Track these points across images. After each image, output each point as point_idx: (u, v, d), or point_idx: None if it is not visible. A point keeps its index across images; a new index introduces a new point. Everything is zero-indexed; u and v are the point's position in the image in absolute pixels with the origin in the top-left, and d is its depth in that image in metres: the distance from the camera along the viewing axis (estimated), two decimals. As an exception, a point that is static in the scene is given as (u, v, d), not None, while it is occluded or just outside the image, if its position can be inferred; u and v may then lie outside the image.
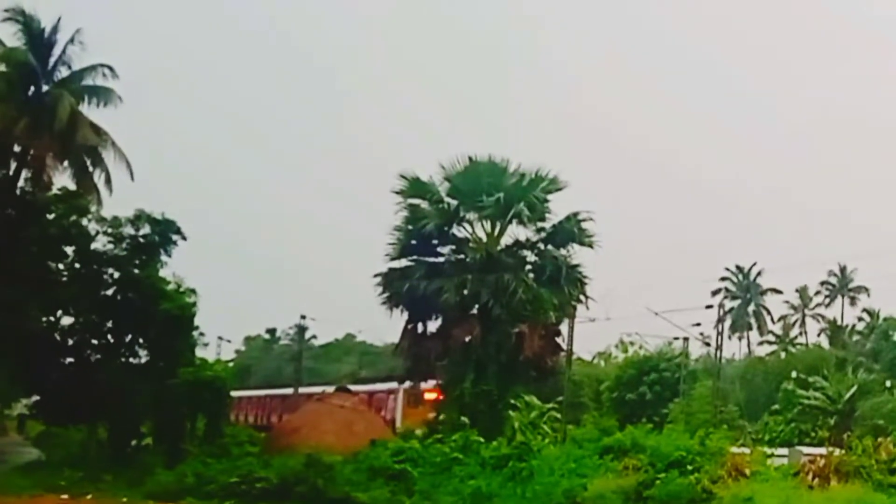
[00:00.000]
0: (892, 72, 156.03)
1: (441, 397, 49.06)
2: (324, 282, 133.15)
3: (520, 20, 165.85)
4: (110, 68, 43.87)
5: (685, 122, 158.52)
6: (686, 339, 72.99)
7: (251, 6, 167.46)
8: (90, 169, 44.04)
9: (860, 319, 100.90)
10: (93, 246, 43.26)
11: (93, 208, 43.12)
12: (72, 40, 43.29)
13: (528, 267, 46.87)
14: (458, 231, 46.99)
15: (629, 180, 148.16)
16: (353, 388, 51.99)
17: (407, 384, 52.42)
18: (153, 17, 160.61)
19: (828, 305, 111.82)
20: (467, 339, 44.62)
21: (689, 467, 32.68)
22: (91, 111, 44.02)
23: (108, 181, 44.96)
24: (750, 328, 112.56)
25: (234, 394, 50.12)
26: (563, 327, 50.99)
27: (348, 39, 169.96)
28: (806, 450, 40.11)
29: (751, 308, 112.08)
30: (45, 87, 43.58)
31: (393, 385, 56.91)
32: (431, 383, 51.10)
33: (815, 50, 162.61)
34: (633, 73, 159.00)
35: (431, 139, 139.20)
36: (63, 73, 44.10)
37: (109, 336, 43.93)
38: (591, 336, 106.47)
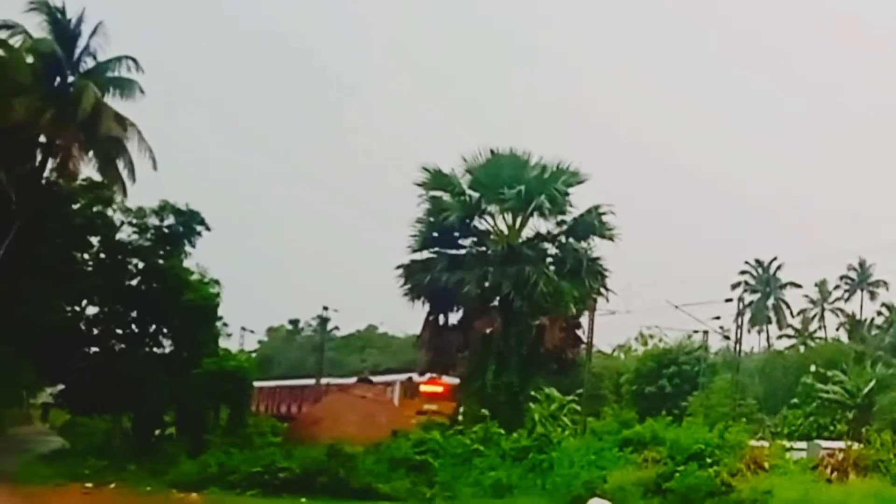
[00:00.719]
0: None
1: (439, 389, 49.91)
2: (346, 273, 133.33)
3: (524, 18, 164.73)
4: (135, 60, 43.99)
5: (704, 120, 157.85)
6: (706, 332, 72.99)
7: (257, 6, 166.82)
8: (115, 159, 44.22)
9: (879, 314, 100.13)
10: (117, 236, 43.59)
11: (117, 199, 43.30)
12: (94, 32, 43.48)
13: (549, 259, 46.98)
14: (480, 223, 47.16)
15: (650, 176, 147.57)
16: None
17: (404, 377, 52.46)
18: (164, 16, 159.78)
19: (847, 300, 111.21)
20: (488, 331, 44.77)
21: (709, 460, 32.86)
22: (116, 102, 44.19)
23: (131, 172, 45.15)
24: (769, 322, 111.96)
25: (256, 384, 50.37)
26: (584, 320, 50.99)
27: (350, 36, 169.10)
28: (824, 443, 40.25)
29: (770, 302, 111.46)
30: (70, 78, 43.73)
31: (392, 377, 57.29)
32: (427, 377, 51.90)
33: (827, 45, 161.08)
34: (648, 71, 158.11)
35: (444, 135, 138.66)
36: (88, 64, 44.23)
37: (133, 326, 44.16)
38: (611, 329, 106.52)
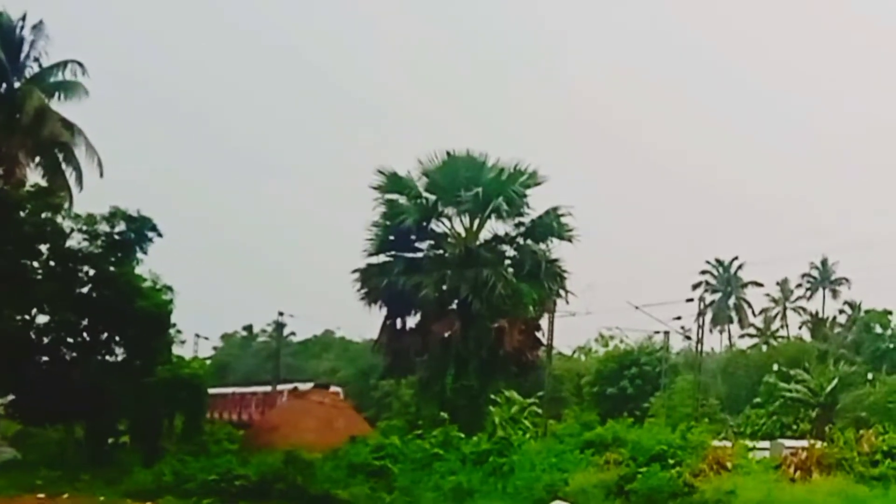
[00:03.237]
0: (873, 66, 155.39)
1: (325, 399, 49.78)
2: (302, 278, 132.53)
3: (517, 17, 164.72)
4: (80, 64, 43.54)
5: (666, 115, 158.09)
6: (667, 332, 73.08)
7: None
8: (62, 165, 43.66)
9: (841, 312, 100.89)
10: (67, 243, 42.85)
11: (65, 205, 42.72)
12: (35, 31, 42.92)
13: (508, 262, 46.81)
14: (437, 226, 46.97)
15: (608, 173, 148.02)
16: (248, 389, 52.81)
17: (290, 387, 52.30)
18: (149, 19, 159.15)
19: (809, 298, 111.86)
20: (447, 334, 44.53)
21: (671, 461, 32.49)
22: (62, 107, 43.70)
23: (79, 178, 44.63)
24: (731, 321, 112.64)
25: (211, 391, 49.92)
26: (543, 322, 51.00)
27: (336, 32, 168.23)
28: (788, 442, 40.06)
29: (732, 301, 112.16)
30: (16, 84, 43.16)
31: (281, 387, 57.60)
32: (311, 385, 52.75)
33: (801, 40, 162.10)
34: (615, 64, 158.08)
35: (422, 138, 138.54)
36: (34, 69, 43.71)
37: (85, 334, 43.55)
38: (572, 330, 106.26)
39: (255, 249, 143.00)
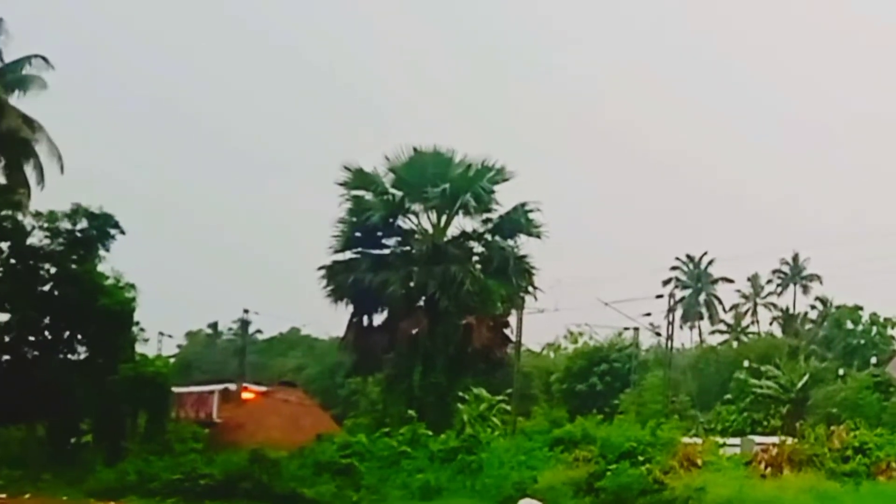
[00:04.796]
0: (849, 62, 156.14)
1: (251, 396, 51.45)
2: (267, 275, 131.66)
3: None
4: (44, 59, 43.02)
5: (639, 108, 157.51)
6: (636, 329, 72.81)
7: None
8: (22, 162, 43.16)
9: (812, 308, 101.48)
10: (28, 241, 42.47)
11: (25, 202, 42.26)
12: None
13: (476, 258, 46.68)
14: (404, 223, 46.74)
15: (575, 167, 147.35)
16: (179, 389, 53.08)
17: (221, 387, 52.21)
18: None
19: (780, 294, 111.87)
20: (414, 331, 44.26)
21: (641, 458, 32.47)
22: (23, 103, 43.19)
23: (41, 174, 44.13)
24: (701, 318, 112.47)
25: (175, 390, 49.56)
26: (512, 319, 50.66)
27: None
28: (758, 439, 40.14)
29: (702, 297, 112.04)
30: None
31: (212, 387, 57.79)
32: (234, 386, 53.47)
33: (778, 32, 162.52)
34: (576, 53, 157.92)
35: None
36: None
37: (47, 332, 43.17)
38: (541, 327, 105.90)
39: (219, 246, 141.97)
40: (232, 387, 54.05)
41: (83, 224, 42.60)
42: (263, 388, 53.73)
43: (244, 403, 51.66)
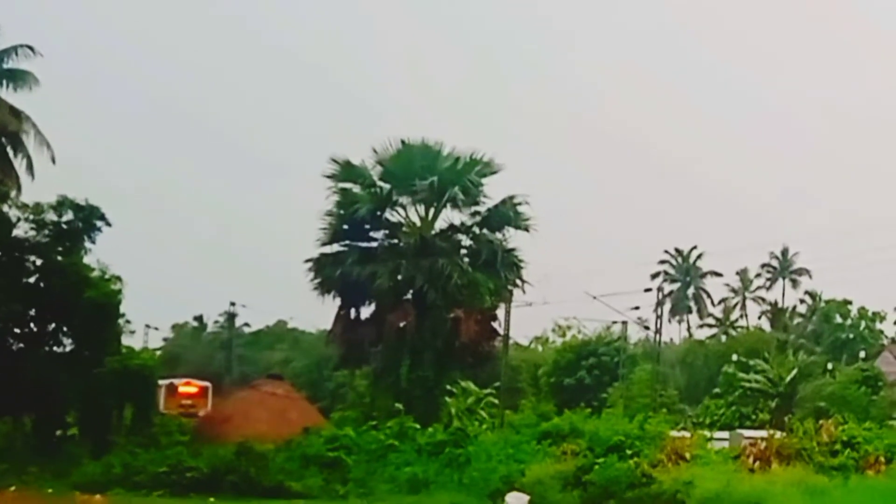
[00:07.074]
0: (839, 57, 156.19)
1: (194, 390, 53.08)
2: (253, 268, 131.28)
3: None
4: (31, 48, 42.75)
5: (629, 104, 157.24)
6: (625, 322, 72.70)
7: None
8: (10, 154, 42.89)
9: (801, 302, 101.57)
10: (14, 233, 42.05)
11: (12, 194, 41.97)
12: None
13: (464, 251, 46.75)
14: (392, 215, 46.80)
15: (564, 160, 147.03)
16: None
17: (167, 382, 52.37)
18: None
19: (769, 288, 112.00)
20: (402, 324, 44.35)
21: (629, 452, 32.63)
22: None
23: (30, 166, 43.87)
24: (690, 311, 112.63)
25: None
26: (500, 312, 50.54)
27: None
28: (747, 433, 40.21)
29: (690, 291, 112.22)
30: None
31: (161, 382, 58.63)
32: (184, 380, 54.78)
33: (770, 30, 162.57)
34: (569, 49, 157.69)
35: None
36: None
37: (32, 325, 42.72)
38: (529, 320, 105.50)
39: (206, 239, 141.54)
40: (177, 381, 54.56)
41: (69, 216, 42.21)
42: (205, 384, 55.07)
43: (192, 397, 53.23)
